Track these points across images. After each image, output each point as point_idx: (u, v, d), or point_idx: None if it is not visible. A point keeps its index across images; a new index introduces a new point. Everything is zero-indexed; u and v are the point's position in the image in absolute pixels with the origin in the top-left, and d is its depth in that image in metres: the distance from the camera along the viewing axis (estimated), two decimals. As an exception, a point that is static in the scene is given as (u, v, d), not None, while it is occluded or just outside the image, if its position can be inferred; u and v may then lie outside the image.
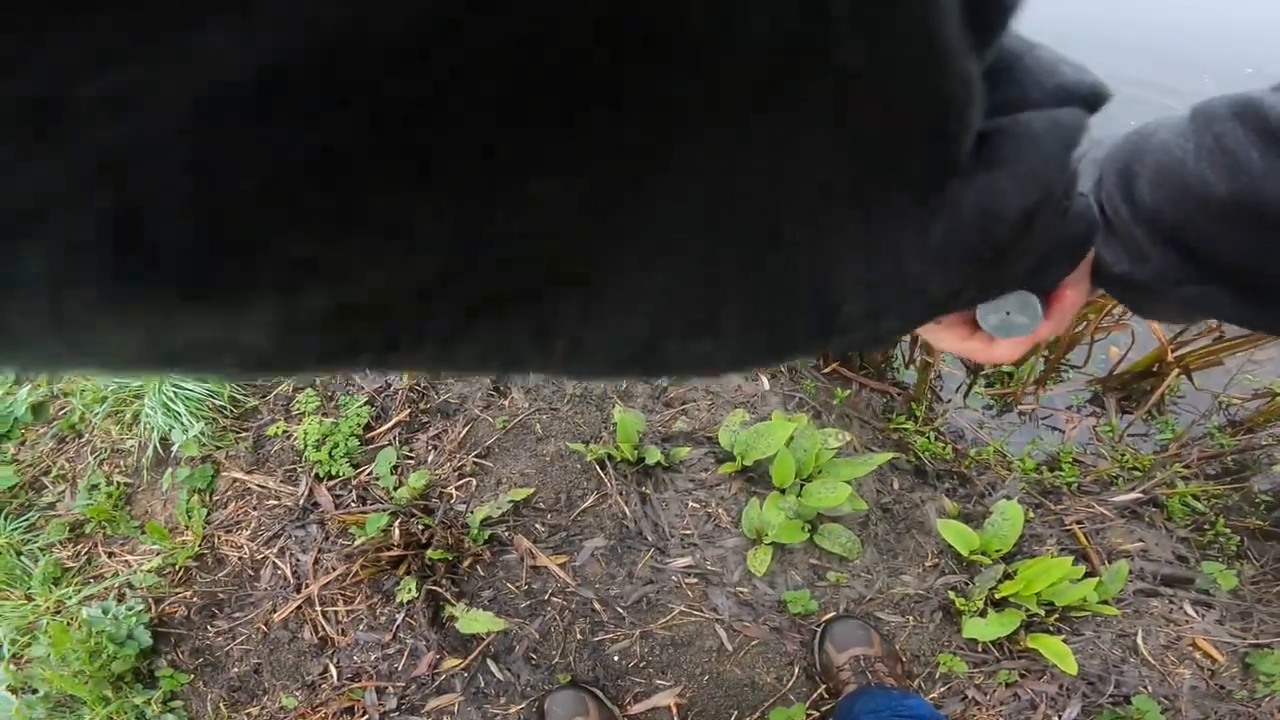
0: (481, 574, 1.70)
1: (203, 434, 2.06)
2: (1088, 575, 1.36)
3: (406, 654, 1.71)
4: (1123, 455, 1.83)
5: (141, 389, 2.24)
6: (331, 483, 1.96)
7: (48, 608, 1.84)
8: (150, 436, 2.13)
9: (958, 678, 1.35)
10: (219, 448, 2.08)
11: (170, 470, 2.08)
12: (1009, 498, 1.56)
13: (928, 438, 1.85)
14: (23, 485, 2.24)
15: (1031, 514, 1.53)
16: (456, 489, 1.85)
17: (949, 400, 2.09)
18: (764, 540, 1.58)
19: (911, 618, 1.47)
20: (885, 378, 2.11)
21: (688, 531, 1.67)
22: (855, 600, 1.52)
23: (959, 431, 2.00)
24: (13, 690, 1.73)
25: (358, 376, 2.18)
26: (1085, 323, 1.94)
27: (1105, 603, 1.31)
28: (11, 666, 1.77)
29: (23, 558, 2.03)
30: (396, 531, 1.75)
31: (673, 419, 1.88)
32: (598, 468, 1.79)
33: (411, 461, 1.95)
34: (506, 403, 2.02)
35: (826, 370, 2.10)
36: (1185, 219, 0.35)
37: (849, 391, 1.92)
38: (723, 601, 1.59)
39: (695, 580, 1.62)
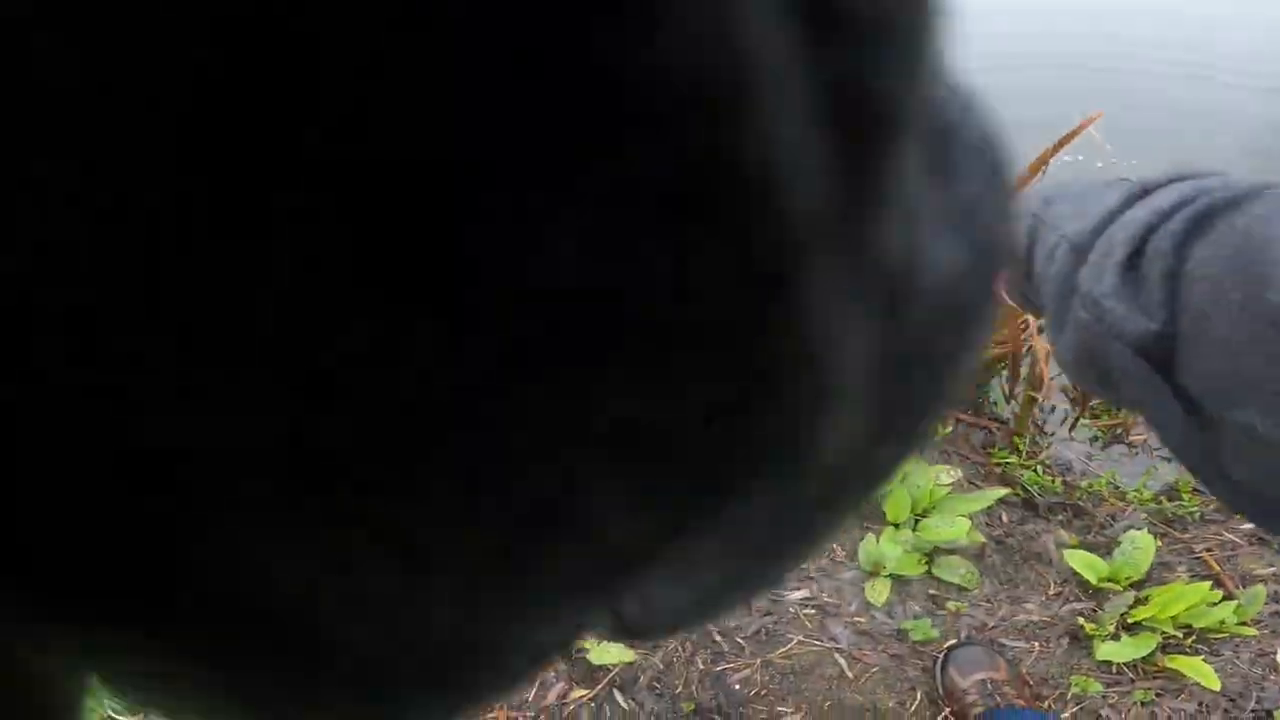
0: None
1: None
2: (1224, 599, 1.35)
3: (537, 684, 1.79)
4: (1241, 483, 1.78)
5: None
6: None
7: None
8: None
9: (1091, 698, 1.35)
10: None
11: None
12: (1136, 528, 1.57)
13: (1035, 471, 1.89)
14: None
15: (1159, 542, 1.54)
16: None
17: (1053, 433, 2.11)
18: (882, 572, 1.64)
19: (1037, 644, 1.47)
20: (983, 413, 2.15)
21: (803, 565, 1.74)
22: (977, 628, 1.54)
23: (1066, 464, 2.01)
24: None
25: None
26: None
27: (1244, 624, 1.30)
28: None
29: None
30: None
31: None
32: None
33: None
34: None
35: None
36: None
37: (949, 429, 1.99)
38: (841, 631, 1.63)
39: (813, 611, 1.68)
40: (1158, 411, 0.34)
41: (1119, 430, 2.04)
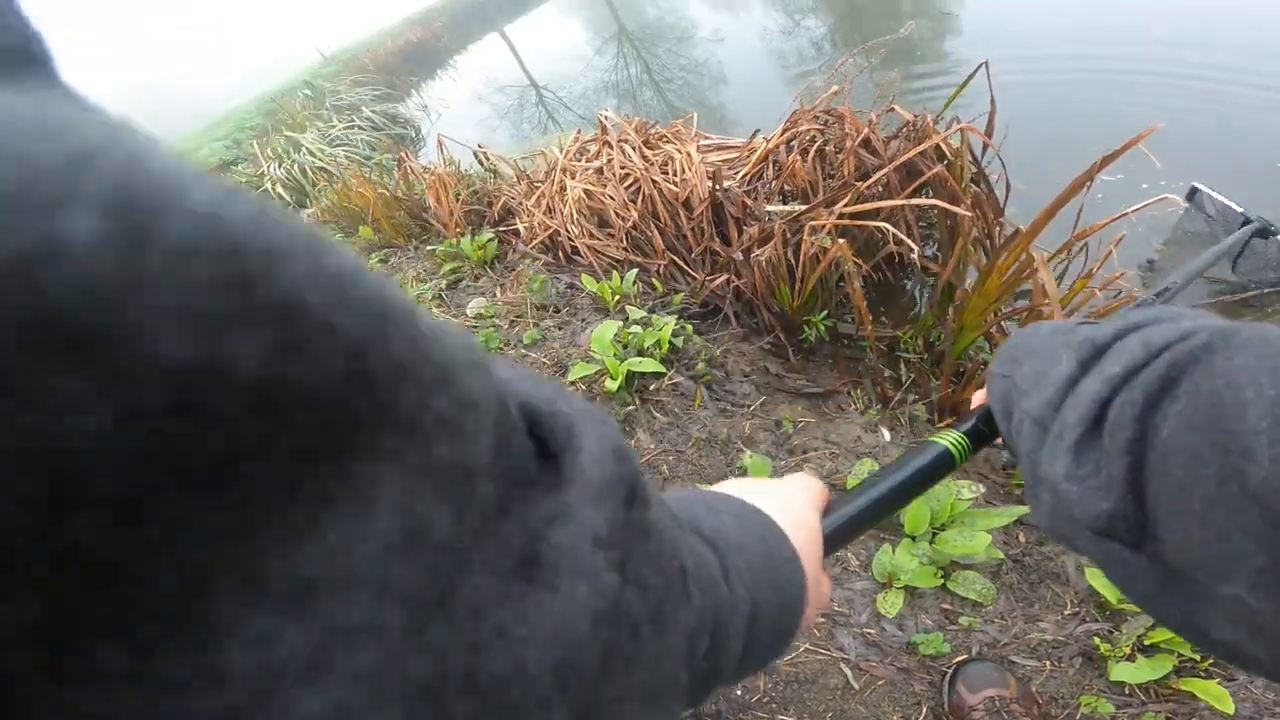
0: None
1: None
2: None
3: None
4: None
5: None
6: None
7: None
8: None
9: (1101, 718, 1.34)
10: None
11: None
12: None
13: None
14: None
15: None
16: (585, 517, 1.94)
17: None
18: (895, 584, 1.61)
19: (1049, 663, 1.46)
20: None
21: (812, 572, 1.71)
22: (989, 644, 1.52)
23: None
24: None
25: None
26: None
27: None
28: None
29: None
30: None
31: (798, 465, 1.97)
32: (726, 507, 1.86)
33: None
34: (634, 443, 2.13)
35: (942, 424, 2.16)
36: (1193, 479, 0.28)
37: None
38: (849, 641, 1.61)
39: (822, 619, 1.65)
40: (1134, 582, 0.33)
41: None
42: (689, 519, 0.36)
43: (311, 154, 5.81)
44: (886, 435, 2.03)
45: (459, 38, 17.92)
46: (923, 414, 2.29)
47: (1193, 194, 2.71)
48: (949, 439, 0.50)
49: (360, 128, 7.08)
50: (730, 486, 0.45)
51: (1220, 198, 2.63)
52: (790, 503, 0.44)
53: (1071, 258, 2.32)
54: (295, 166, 5.66)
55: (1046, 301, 1.95)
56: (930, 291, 2.81)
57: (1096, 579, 1.49)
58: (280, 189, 5.52)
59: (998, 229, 2.65)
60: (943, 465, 0.49)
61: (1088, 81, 5.20)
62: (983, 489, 1.75)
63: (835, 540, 0.45)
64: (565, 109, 9.05)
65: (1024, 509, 1.71)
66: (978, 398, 0.59)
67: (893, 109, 2.71)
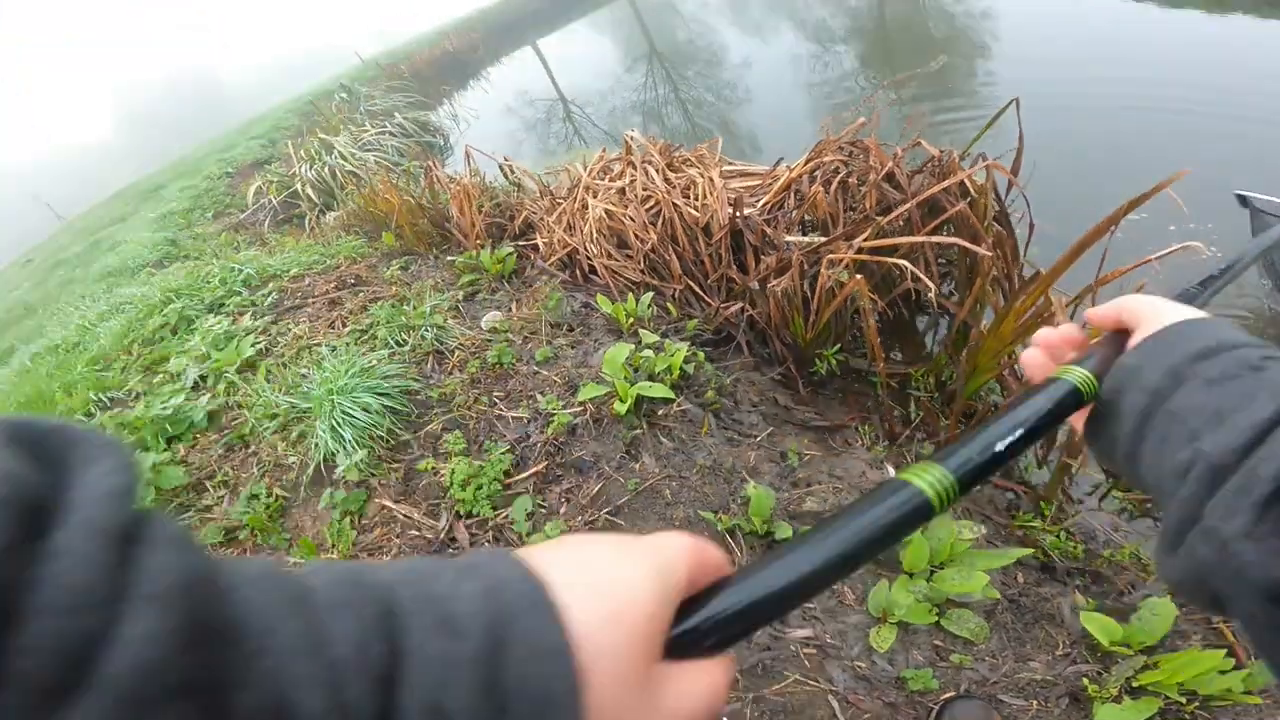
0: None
1: (362, 462, 2.23)
2: (1235, 669, 1.34)
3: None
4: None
5: (310, 410, 2.47)
6: (469, 521, 2.05)
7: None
8: (314, 456, 2.33)
9: (1085, 762, 1.33)
10: (373, 475, 2.23)
11: (329, 491, 2.22)
12: (1156, 595, 1.56)
13: (1058, 536, 1.87)
14: (186, 486, 2.39)
15: (1179, 611, 1.53)
16: (586, 539, 1.94)
17: (1081, 502, 2.10)
18: (889, 619, 1.61)
19: (1036, 702, 1.45)
20: (1013, 476, 2.14)
21: (811, 605, 1.71)
22: (978, 682, 1.51)
23: (1091, 532, 2.00)
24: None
25: (498, 424, 2.37)
26: None
27: (1249, 693, 1.29)
28: None
29: None
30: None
31: (801, 498, 1.97)
32: (726, 537, 1.87)
33: (545, 510, 2.04)
34: (638, 467, 2.13)
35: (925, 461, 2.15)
36: None
37: (976, 488, 1.97)
38: (839, 674, 1.60)
39: (813, 651, 1.65)
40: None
41: (1149, 504, 2.04)
42: (391, 581, 0.27)
43: (343, 157, 5.93)
44: (891, 472, 2.03)
45: (494, 49, 18.19)
46: (929, 452, 2.28)
47: (1244, 201, 2.73)
48: (928, 478, 0.37)
49: (391, 134, 7.21)
50: (556, 545, 0.32)
51: (1270, 198, 2.68)
52: (611, 580, 0.30)
53: (1094, 301, 2.31)
54: (326, 169, 5.78)
55: None
56: (945, 329, 2.81)
57: (1091, 622, 1.48)
58: (310, 190, 5.63)
59: (1017, 269, 2.64)
60: (918, 514, 0.36)
61: (1121, 116, 5.15)
62: (984, 529, 1.75)
63: (716, 631, 0.32)
64: (592, 125, 9.17)
65: (1025, 551, 1.70)
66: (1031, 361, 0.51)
67: (919, 143, 2.71)
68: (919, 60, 8.93)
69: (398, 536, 2.10)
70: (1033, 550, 1.80)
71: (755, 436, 2.27)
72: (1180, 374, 0.39)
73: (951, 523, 1.67)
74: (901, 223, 2.36)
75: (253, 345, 2.84)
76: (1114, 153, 4.56)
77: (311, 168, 5.88)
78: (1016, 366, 2.51)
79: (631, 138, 2.91)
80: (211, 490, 2.40)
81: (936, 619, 1.59)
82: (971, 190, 2.56)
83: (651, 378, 2.07)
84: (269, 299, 3.25)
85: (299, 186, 5.69)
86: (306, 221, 5.33)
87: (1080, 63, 6.73)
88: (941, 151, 2.63)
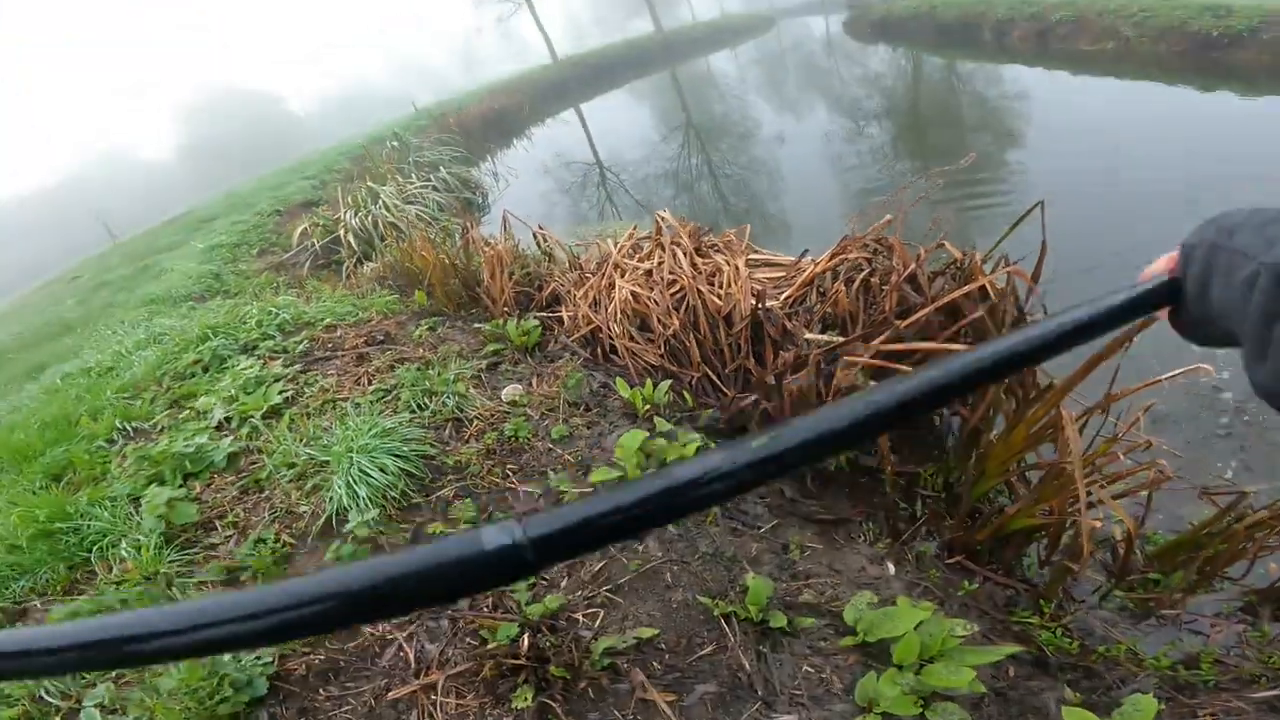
0: (593, 697, 1.76)
1: (373, 519, 2.27)
2: None
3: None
4: (1269, 658, 1.79)
5: (328, 463, 2.53)
6: None
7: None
8: (326, 508, 2.37)
9: None
10: (382, 533, 2.27)
11: (337, 544, 2.25)
12: (1142, 691, 1.54)
13: (1053, 633, 1.88)
14: (197, 524, 2.44)
15: (1163, 706, 1.51)
16: (585, 615, 1.96)
17: (1082, 600, 2.11)
18: (874, 709, 1.61)
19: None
20: (1014, 574, 2.14)
21: (798, 691, 1.71)
22: (963, 785, 1.48)
23: (1088, 629, 2.00)
24: (102, 708, 1.76)
25: (509, 496, 2.40)
26: (1252, 540, 1.94)
27: None
28: (112, 684, 1.83)
29: (172, 588, 2.18)
30: (525, 642, 1.86)
31: (799, 590, 1.97)
32: (722, 622, 1.87)
33: (546, 582, 2.07)
34: (642, 549, 2.16)
35: (951, 561, 2.15)
36: None
37: (975, 585, 1.97)
38: (824, 771, 1.58)
39: (798, 745, 1.63)
40: None
41: (1152, 603, 2.04)
42: None
43: (387, 208, 6.16)
44: (891, 569, 2.03)
45: (539, 109, 18.94)
46: (930, 551, 2.28)
47: None
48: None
49: (435, 187, 7.49)
50: None
51: None
52: None
53: (1104, 419, 2.32)
54: (370, 217, 6.00)
55: (1069, 460, 1.97)
56: (956, 433, 2.81)
57: (1072, 716, 1.46)
58: (351, 237, 5.84)
59: (1032, 377, 2.66)
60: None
61: (1153, 206, 5.20)
62: (977, 626, 1.74)
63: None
64: (625, 192, 9.43)
65: (1015, 648, 1.71)
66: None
67: (943, 244, 2.77)
68: (950, 141, 9.15)
69: None
70: (1023, 648, 1.80)
71: (759, 528, 2.29)
72: (1231, 229, 0.46)
73: (944, 620, 1.67)
74: (920, 326, 2.41)
75: (280, 393, 2.93)
76: (1140, 249, 4.60)
77: (356, 215, 6.11)
78: (1026, 473, 2.52)
79: (663, 218, 3.02)
80: (220, 529, 2.43)
81: (921, 710, 1.58)
82: (992, 294, 2.60)
83: (663, 465, 2.11)
84: (300, 346, 3.36)
85: (342, 233, 5.91)
86: (344, 269, 5.51)
87: (1113, 151, 6.81)
88: (964, 253, 2.68)
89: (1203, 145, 6.65)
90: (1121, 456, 2.15)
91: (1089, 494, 1.94)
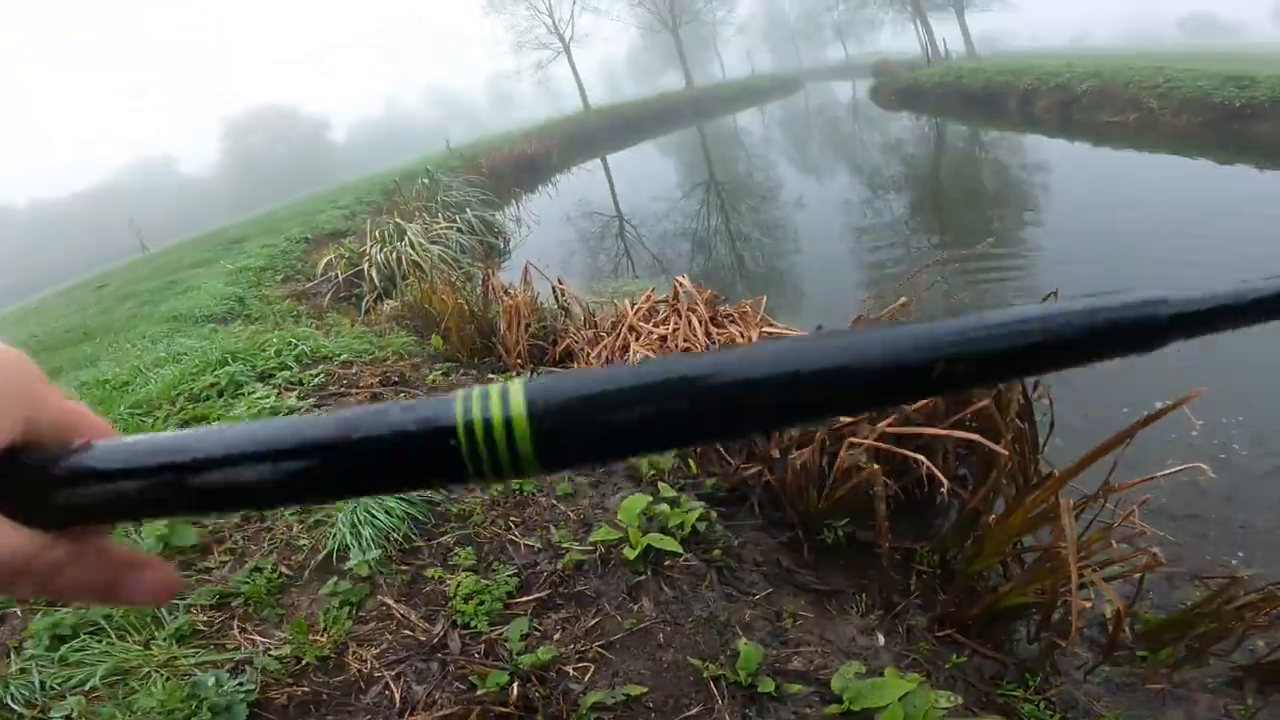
0: (578, 752, 1.76)
1: (374, 559, 2.29)
2: None
3: None
4: (1250, 731, 1.78)
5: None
6: (465, 632, 2.10)
7: (160, 661, 1.90)
8: (327, 545, 2.39)
9: None
10: (381, 573, 2.29)
11: (334, 580, 2.27)
12: None
13: (1037, 705, 1.91)
14: (194, 547, 2.44)
15: None
16: (576, 669, 1.97)
17: (1068, 674, 2.13)
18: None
19: None
20: (1003, 649, 2.16)
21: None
22: None
23: (1072, 701, 2.02)
24: None
25: (509, 547, 2.43)
26: (1241, 620, 1.98)
27: None
28: (83, 698, 1.79)
29: (160, 608, 2.13)
30: (515, 691, 1.87)
31: (789, 657, 1.98)
32: (710, 684, 1.88)
33: (539, 634, 2.08)
34: (637, 608, 2.17)
35: (942, 634, 2.16)
36: None
37: (964, 658, 1.99)
38: None
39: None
40: None
41: (1135, 679, 2.05)
42: None
43: (411, 246, 6.31)
44: (881, 640, 2.04)
45: (566, 157, 19.41)
46: (921, 624, 2.30)
47: None
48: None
49: (460, 229, 7.67)
50: None
51: None
52: None
53: (1100, 507, 2.37)
54: (394, 254, 6.15)
55: (1064, 544, 2.02)
56: (956, 512, 2.84)
57: None
58: (374, 273, 5.98)
59: (1034, 464, 2.69)
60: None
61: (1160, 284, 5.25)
62: (961, 699, 1.75)
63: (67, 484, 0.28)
64: (642, 246, 9.59)
65: (998, 719, 1.73)
66: None
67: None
68: (969, 211, 9.30)
69: (390, 634, 2.13)
70: (1005, 719, 1.81)
71: (754, 595, 2.30)
72: None
73: (929, 692, 1.68)
74: (927, 410, 2.46)
75: (294, 425, 2.98)
76: (1155, 353, 4.62)
77: (381, 250, 6.27)
78: (1022, 555, 2.54)
79: (681, 284, 3.11)
80: (218, 554, 2.44)
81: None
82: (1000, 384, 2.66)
83: (664, 530, 2.14)
84: (316, 380, 3.43)
85: (366, 266, 6.05)
86: (364, 304, 5.62)
87: (1131, 230, 6.90)
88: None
89: (1218, 220, 6.76)
90: (1115, 544, 2.21)
91: (1081, 576, 1.98)
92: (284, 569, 2.36)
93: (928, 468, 2.17)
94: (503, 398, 0.26)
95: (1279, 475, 3.17)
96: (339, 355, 3.73)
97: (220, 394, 3.51)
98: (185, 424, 3.26)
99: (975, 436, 2.31)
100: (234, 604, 2.20)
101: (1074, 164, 11.03)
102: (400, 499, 2.44)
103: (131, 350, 5.11)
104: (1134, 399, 3.62)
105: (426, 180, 10.84)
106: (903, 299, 2.99)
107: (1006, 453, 2.35)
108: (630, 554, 2.09)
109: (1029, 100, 16.20)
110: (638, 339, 2.93)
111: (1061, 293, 2.77)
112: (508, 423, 0.26)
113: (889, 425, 2.27)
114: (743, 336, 2.67)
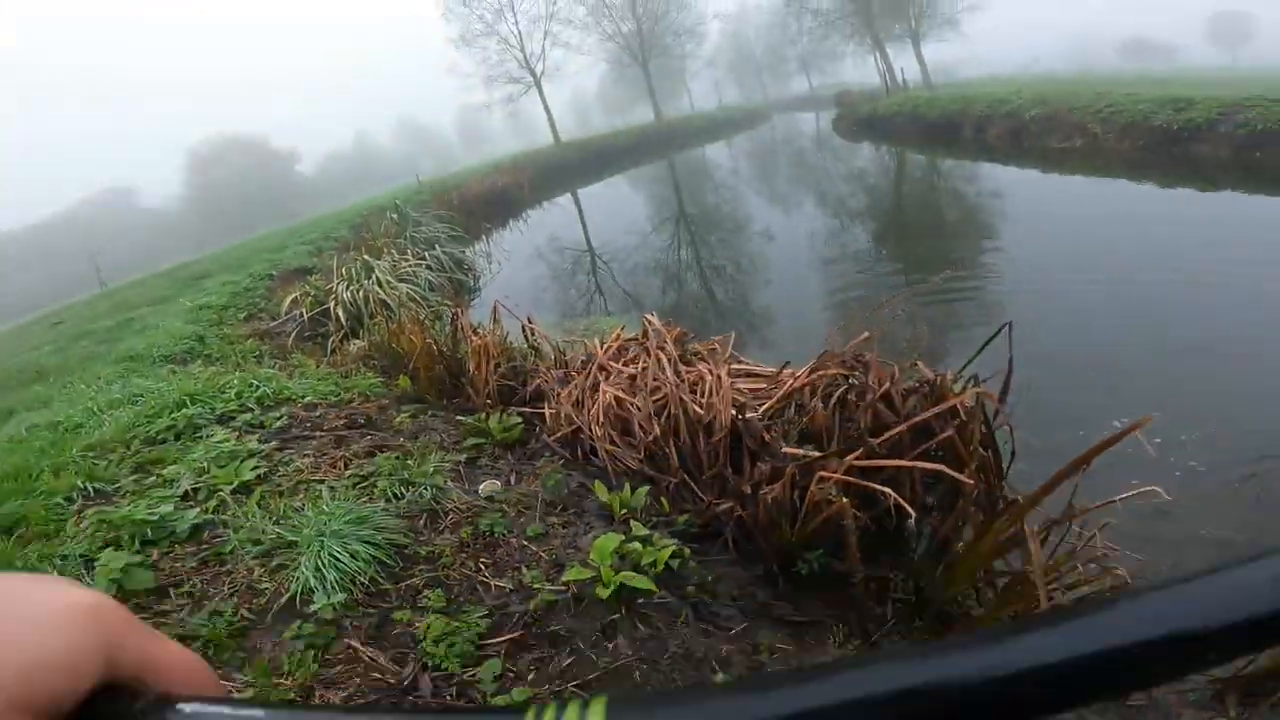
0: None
1: (339, 603, 2.23)
2: None
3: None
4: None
5: (297, 544, 2.49)
6: (437, 674, 2.05)
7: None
8: (291, 588, 2.32)
9: None
10: (347, 616, 2.23)
11: (299, 623, 2.21)
12: None
13: None
14: (151, 590, 2.36)
15: None
16: (551, 712, 1.92)
17: None
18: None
19: None
20: None
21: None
22: None
23: None
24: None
25: (480, 589, 2.39)
26: None
27: None
28: None
29: None
30: (486, 736, 1.82)
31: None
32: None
33: (513, 674, 2.04)
34: (612, 647, 2.14)
35: None
36: None
37: None
38: None
39: None
40: None
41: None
42: None
43: (379, 284, 6.25)
44: None
45: (538, 191, 19.51)
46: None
47: None
48: None
49: (429, 266, 7.63)
50: None
51: None
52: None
53: (1066, 529, 2.43)
54: (361, 292, 6.08)
55: (1031, 568, 2.08)
56: (927, 540, 2.87)
57: None
58: (341, 311, 5.90)
59: (1000, 490, 2.74)
60: None
61: (1124, 312, 5.43)
62: None
63: None
64: (613, 281, 9.63)
65: None
66: None
67: (916, 365, 2.90)
68: (927, 240, 9.56)
69: (359, 676, 2.07)
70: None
71: (730, 629, 2.29)
72: None
73: None
74: (892, 443, 2.49)
75: (253, 469, 2.91)
76: (1111, 363, 4.78)
77: (348, 288, 6.19)
78: (995, 579, 2.58)
79: (650, 322, 3.13)
80: (174, 597, 2.36)
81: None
82: (962, 414, 2.71)
83: (637, 568, 2.13)
84: (279, 422, 3.36)
85: (332, 304, 5.96)
86: (330, 343, 5.52)
87: (1086, 252, 7.16)
88: (936, 375, 2.81)
89: (1157, 246, 7.07)
90: (1081, 567, 2.30)
91: (1051, 599, 2.04)
92: (245, 612, 2.29)
93: (895, 500, 2.20)
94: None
95: (1236, 488, 3.29)
96: (303, 397, 3.65)
97: (178, 437, 3.42)
98: (142, 467, 3.16)
99: (940, 467, 2.35)
100: (192, 646, 2.17)
101: (1026, 191, 11.44)
102: (365, 542, 2.38)
103: (86, 391, 4.96)
104: (1096, 419, 3.75)
105: (395, 215, 10.78)
106: (865, 334, 3.05)
107: (971, 481, 2.40)
108: (604, 593, 2.07)
109: (982, 128, 16.83)
110: (608, 378, 2.93)
111: (1014, 317, 2.85)
112: None
113: (855, 459, 2.30)
114: (711, 374, 2.69)
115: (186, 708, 0.28)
